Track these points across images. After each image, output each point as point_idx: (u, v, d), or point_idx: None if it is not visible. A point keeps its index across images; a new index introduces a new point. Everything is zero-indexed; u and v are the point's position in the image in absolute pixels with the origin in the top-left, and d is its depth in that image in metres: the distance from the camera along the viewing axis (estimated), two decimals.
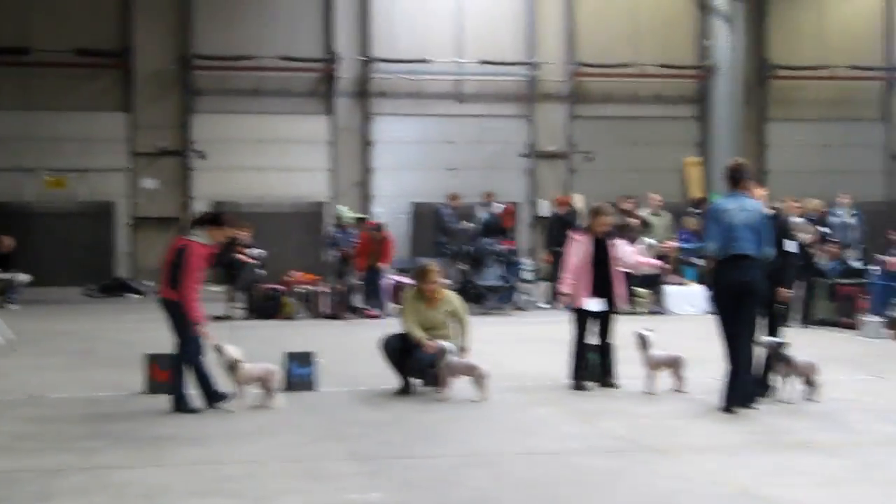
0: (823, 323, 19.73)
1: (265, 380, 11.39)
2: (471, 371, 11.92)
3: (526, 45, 30.31)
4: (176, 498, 7.79)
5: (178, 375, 11.23)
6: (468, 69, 30.08)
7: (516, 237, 26.10)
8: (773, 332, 12.10)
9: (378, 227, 21.81)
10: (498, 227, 23.47)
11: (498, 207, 24.20)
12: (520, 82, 30.42)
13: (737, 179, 11.45)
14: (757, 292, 11.31)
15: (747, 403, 11.22)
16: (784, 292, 12.25)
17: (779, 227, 12.30)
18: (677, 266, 23.93)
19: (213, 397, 11.30)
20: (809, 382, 11.91)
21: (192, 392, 11.26)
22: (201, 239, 11.33)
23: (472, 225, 24.14)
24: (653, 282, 22.29)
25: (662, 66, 30.59)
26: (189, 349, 11.20)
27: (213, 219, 11.66)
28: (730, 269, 11.22)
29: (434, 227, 25.12)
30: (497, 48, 30.09)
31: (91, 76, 28.72)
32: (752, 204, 11.41)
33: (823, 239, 20.57)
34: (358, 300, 21.62)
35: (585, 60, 30.39)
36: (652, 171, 30.17)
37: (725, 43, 29.67)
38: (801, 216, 20.34)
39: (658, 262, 14.08)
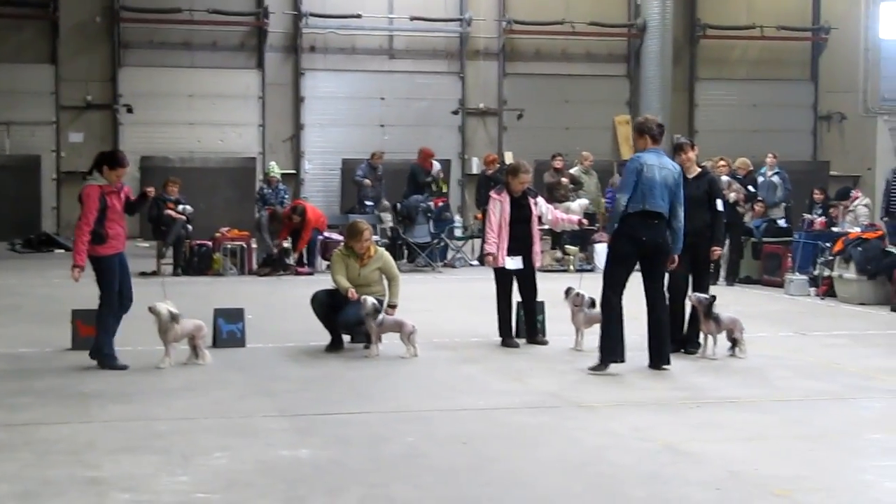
0: (749, 281, 20.00)
1: (194, 336, 11.33)
2: (399, 328, 11.94)
3: (457, 1, 30.19)
4: (103, 454, 7.74)
5: (100, 331, 11.13)
6: (399, 25, 29.94)
7: (447, 193, 26.04)
8: (702, 290, 12.26)
9: (295, 210, 21.35)
10: (420, 172, 23.15)
11: (437, 167, 24.01)
12: (451, 39, 30.33)
13: (656, 136, 11.33)
14: (666, 252, 11.33)
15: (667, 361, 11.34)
16: (716, 250, 12.48)
17: (707, 185, 12.46)
18: (605, 224, 24.09)
19: (105, 359, 11.11)
20: (734, 339, 12.09)
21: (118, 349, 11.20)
22: (94, 180, 11.11)
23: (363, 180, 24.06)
24: (583, 240, 22.44)
25: (593, 24, 30.63)
26: (104, 303, 11.08)
27: (104, 158, 11.35)
28: (642, 225, 11.11)
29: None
30: (429, 4, 29.96)
31: (16, 27, 28.18)
32: (671, 163, 11.42)
33: (749, 197, 20.77)
34: (288, 256, 21.54)
35: (517, 18, 30.35)
36: (582, 129, 30.30)
37: (656, 2, 29.73)
38: (728, 175, 20.52)
39: (576, 219, 14.15)
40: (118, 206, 11.23)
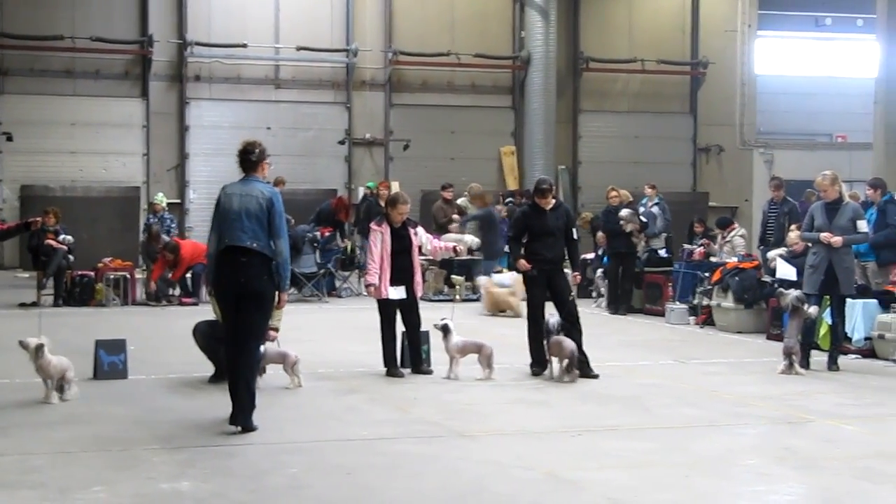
0: (631, 310, 20.29)
1: (67, 369, 11.06)
2: (283, 359, 11.89)
3: (343, 31, 30.28)
4: None
5: None
6: (286, 55, 29.92)
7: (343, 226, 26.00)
8: (567, 317, 12.75)
9: (167, 246, 21.10)
10: (332, 219, 23.47)
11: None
12: (337, 69, 30.39)
13: (248, 164, 9.99)
14: (258, 294, 9.74)
15: (246, 423, 9.61)
16: (577, 275, 13.50)
17: (565, 216, 13.11)
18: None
19: None
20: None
21: None
22: None
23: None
24: (469, 269, 22.57)
25: (478, 56, 30.93)
26: None
27: None
28: (227, 263, 9.73)
29: None
30: (315, 34, 29.99)
31: None
32: (260, 188, 9.88)
33: (643, 228, 20.90)
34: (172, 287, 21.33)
35: (403, 49, 30.53)
36: (468, 159, 30.54)
37: (540, 35, 30.17)
38: (623, 206, 20.83)
39: (451, 246, 14.34)
40: None
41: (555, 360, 12.53)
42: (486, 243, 21.89)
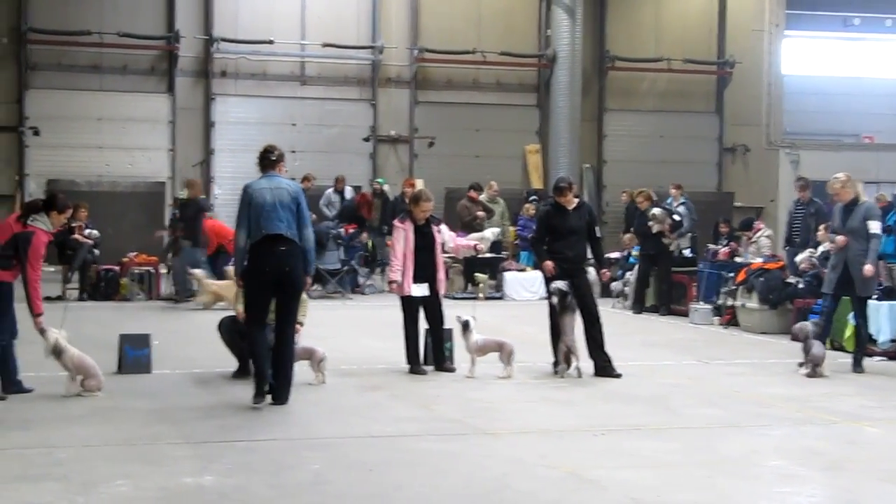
0: (655, 309, 20.22)
1: (88, 377, 11.07)
2: (310, 355, 11.91)
3: (369, 28, 30.29)
4: (0, 483, 7.62)
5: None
6: (311, 51, 29.95)
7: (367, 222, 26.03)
8: (591, 314, 12.90)
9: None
10: (354, 215, 23.58)
11: (350, 192, 24.35)
12: (363, 66, 30.40)
13: (268, 162, 10.97)
14: (295, 282, 10.68)
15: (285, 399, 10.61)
16: (606, 272, 13.73)
17: (587, 216, 13.15)
18: (515, 252, 24.29)
19: (12, 386, 10.95)
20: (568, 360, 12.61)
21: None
22: (43, 225, 11.10)
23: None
24: (492, 267, 22.58)
25: (504, 53, 30.88)
26: (3, 331, 10.88)
27: (52, 204, 11.35)
28: (264, 253, 10.52)
29: None
30: (341, 31, 30.00)
31: None
32: (287, 182, 10.91)
33: (674, 227, 20.67)
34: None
35: (428, 46, 30.51)
36: (493, 157, 30.48)
37: (566, 33, 30.08)
38: (655, 205, 20.75)
39: (472, 244, 14.41)
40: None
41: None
42: (193, 232, 20.55)
